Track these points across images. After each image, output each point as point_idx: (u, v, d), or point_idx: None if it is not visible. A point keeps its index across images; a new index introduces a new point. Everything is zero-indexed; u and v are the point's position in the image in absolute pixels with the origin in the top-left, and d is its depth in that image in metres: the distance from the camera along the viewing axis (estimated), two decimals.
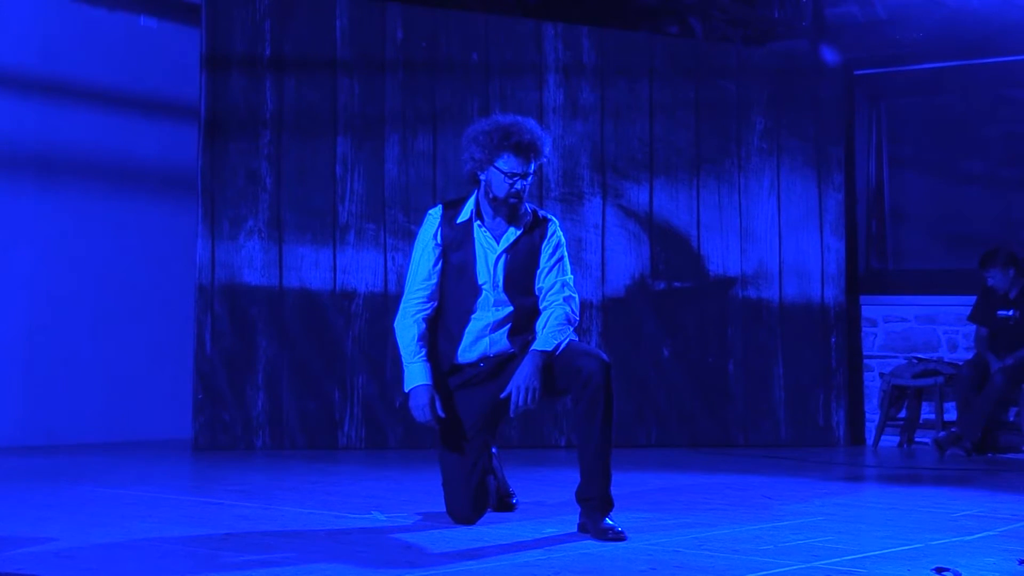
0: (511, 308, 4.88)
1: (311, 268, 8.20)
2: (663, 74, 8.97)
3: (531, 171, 4.84)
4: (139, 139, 8.65)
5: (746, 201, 9.11)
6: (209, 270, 8.02)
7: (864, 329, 9.58)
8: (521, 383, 4.76)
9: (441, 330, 4.93)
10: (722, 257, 9.04)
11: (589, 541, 4.60)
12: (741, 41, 9.59)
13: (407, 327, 4.93)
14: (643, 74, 8.92)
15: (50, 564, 3.98)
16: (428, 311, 4.92)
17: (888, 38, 9.51)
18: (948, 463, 8.07)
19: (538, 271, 4.91)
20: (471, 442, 4.92)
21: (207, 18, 8.13)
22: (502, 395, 4.83)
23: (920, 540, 4.70)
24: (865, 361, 9.56)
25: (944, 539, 4.75)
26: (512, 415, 4.85)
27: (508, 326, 4.88)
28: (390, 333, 8.14)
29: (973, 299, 8.95)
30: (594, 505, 4.71)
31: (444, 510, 4.99)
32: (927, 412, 9.25)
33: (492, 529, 4.82)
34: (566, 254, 4.98)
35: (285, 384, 8.11)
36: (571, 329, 4.87)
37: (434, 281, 4.93)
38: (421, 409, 4.84)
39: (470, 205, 4.94)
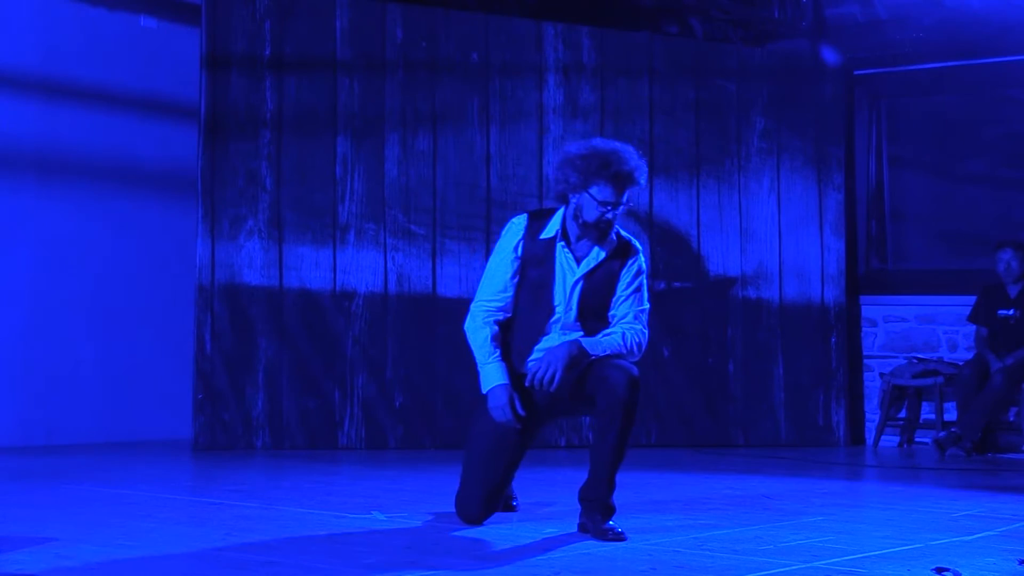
0: (581, 333, 4.82)
1: (311, 268, 8.20)
2: (663, 74, 8.97)
3: (624, 201, 4.74)
4: (139, 139, 8.65)
5: (746, 201, 9.11)
6: (209, 270, 8.02)
7: (864, 329, 9.57)
8: (547, 360, 4.71)
9: (507, 341, 4.88)
10: (722, 257, 9.03)
11: (589, 541, 4.60)
12: (741, 41, 9.59)
13: (478, 328, 4.85)
14: (643, 74, 8.92)
15: (50, 564, 3.98)
16: (500, 319, 4.87)
17: (888, 38, 9.51)
18: (948, 463, 8.07)
19: (614, 298, 4.84)
20: (512, 445, 4.87)
21: (207, 18, 8.12)
22: (525, 367, 4.79)
23: (920, 540, 4.70)
24: (865, 361, 9.55)
25: (944, 539, 4.75)
26: (526, 384, 4.79)
27: None
28: (390, 333, 8.26)
29: (973, 299, 8.95)
30: (595, 506, 4.70)
31: (446, 510, 4.99)
32: (927, 412, 9.25)
33: (493, 529, 4.82)
34: (645, 284, 4.90)
35: (285, 384, 8.11)
36: (629, 358, 4.80)
37: (509, 294, 4.86)
38: (501, 409, 4.78)
39: (556, 223, 4.85)
